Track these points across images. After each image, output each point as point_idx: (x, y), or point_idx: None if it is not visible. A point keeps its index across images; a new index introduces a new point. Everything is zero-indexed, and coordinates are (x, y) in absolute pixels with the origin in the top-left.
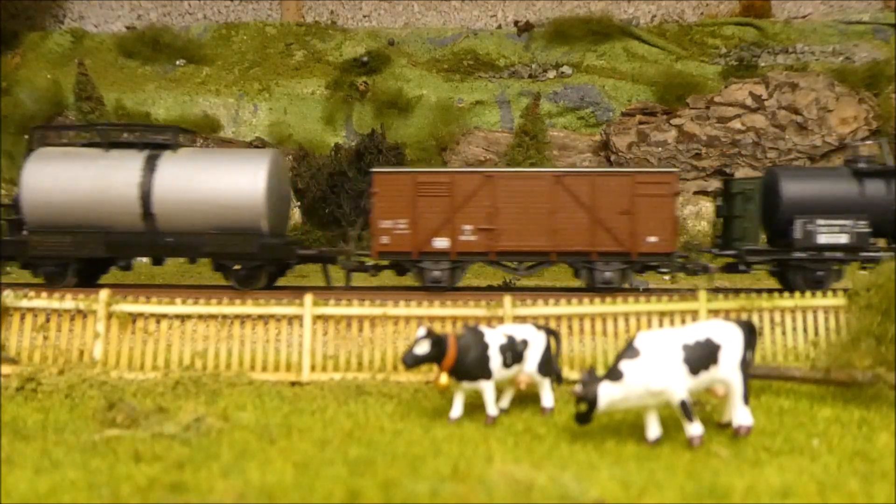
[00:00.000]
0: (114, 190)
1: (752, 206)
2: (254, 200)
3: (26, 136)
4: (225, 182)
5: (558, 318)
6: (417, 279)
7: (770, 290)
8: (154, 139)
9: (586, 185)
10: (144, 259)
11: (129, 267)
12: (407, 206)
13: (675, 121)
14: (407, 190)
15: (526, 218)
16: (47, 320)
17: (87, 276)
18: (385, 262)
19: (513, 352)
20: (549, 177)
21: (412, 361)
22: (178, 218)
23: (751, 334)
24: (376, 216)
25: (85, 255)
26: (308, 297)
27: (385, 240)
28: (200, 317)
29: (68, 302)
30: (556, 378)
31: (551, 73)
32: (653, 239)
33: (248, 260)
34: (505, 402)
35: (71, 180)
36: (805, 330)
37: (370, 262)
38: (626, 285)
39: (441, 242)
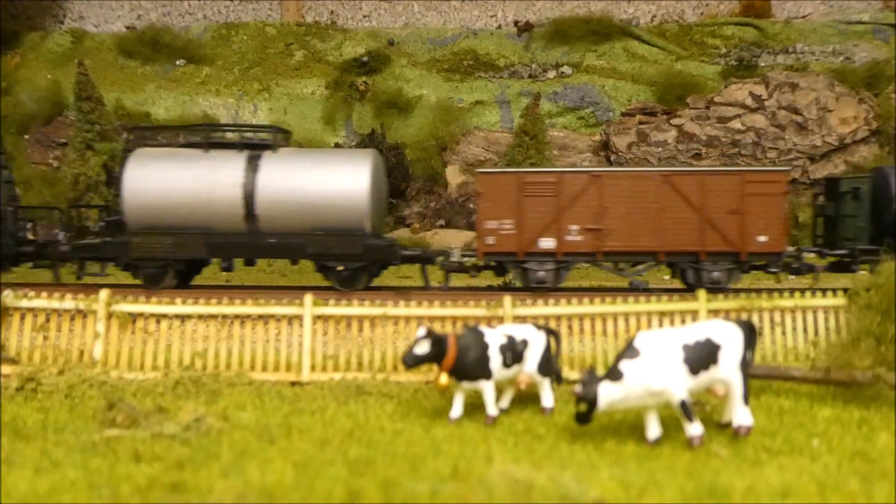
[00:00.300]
0: (217, 191)
1: (864, 204)
2: (358, 201)
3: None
4: (329, 182)
5: (558, 318)
6: (521, 280)
7: (770, 291)
8: (253, 139)
9: (695, 185)
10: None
11: (230, 268)
12: (512, 207)
13: (675, 121)
14: (512, 190)
15: (634, 218)
16: (47, 320)
17: (182, 277)
18: (481, 262)
19: (513, 352)
20: (657, 176)
21: (412, 361)
22: (281, 219)
23: (751, 334)
24: (482, 217)
25: (186, 257)
26: (308, 297)
27: (491, 240)
28: (200, 317)
29: (68, 302)
30: (556, 378)
31: (551, 73)
32: (763, 238)
33: (352, 261)
34: (505, 402)
35: (173, 181)
36: (805, 330)
37: (469, 262)
38: (627, 285)
39: (547, 243)
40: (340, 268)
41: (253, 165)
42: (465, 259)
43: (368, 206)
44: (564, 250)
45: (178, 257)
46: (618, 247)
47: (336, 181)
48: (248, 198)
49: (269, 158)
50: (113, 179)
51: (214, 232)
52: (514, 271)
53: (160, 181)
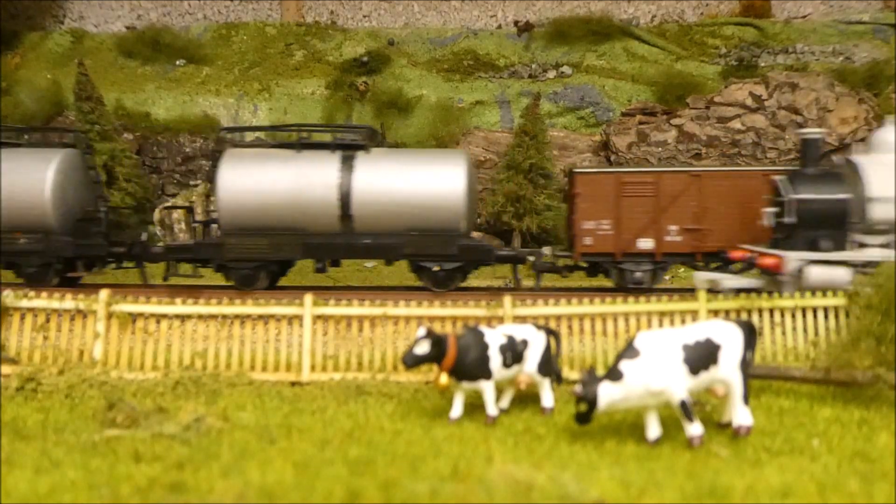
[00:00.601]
0: (312, 191)
1: None
2: (454, 201)
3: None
4: (426, 183)
5: (558, 318)
6: (618, 280)
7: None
8: (346, 140)
9: None
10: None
11: (324, 269)
12: (610, 207)
13: (675, 121)
14: (610, 190)
15: (735, 218)
16: (47, 320)
17: (272, 278)
18: (572, 262)
19: (513, 352)
20: (759, 175)
21: (412, 361)
22: (377, 219)
23: (751, 334)
24: (579, 217)
25: (282, 258)
26: (308, 297)
27: (588, 241)
28: (200, 317)
29: (68, 302)
30: (556, 378)
31: (551, 73)
32: None
33: (448, 261)
34: (505, 402)
35: (268, 182)
36: (805, 330)
37: (561, 262)
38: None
39: (645, 243)
40: (437, 268)
41: (348, 166)
42: (558, 259)
43: (465, 206)
44: (663, 251)
45: (273, 258)
46: (718, 247)
47: (433, 181)
48: (345, 198)
49: (363, 159)
50: (115, 180)
51: (309, 233)
52: (611, 272)
53: (255, 182)
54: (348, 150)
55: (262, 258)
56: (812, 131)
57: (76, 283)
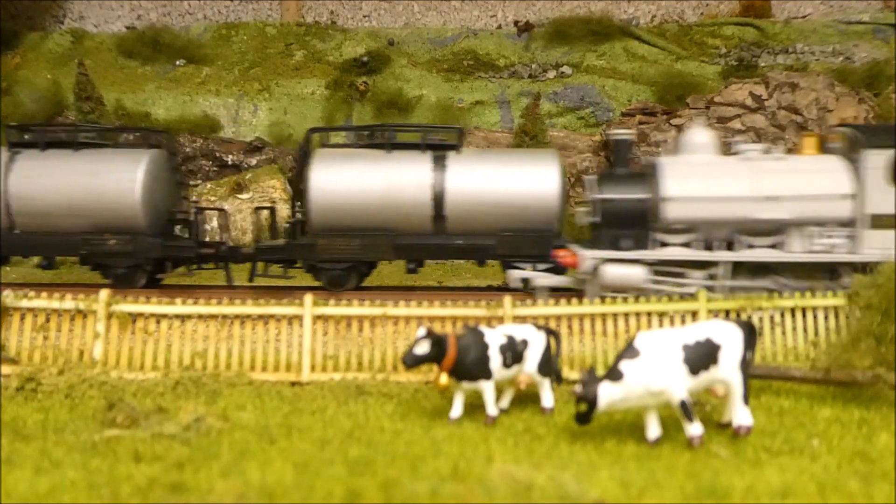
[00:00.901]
0: (405, 192)
1: None
2: (549, 201)
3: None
4: (520, 183)
5: (558, 318)
6: None
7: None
8: (436, 140)
9: None
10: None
11: (415, 270)
12: None
13: (675, 121)
14: None
15: None
16: (47, 320)
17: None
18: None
19: (513, 352)
20: None
21: (412, 361)
22: (469, 220)
23: (751, 334)
24: None
25: (373, 259)
26: (308, 297)
27: None
28: (200, 317)
29: (68, 302)
30: (556, 378)
31: (551, 73)
32: None
33: (541, 262)
34: (505, 402)
35: (360, 182)
36: (805, 330)
37: None
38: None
39: None
40: (529, 269)
41: (440, 166)
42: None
43: (559, 207)
44: None
45: (365, 259)
46: None
47: (528, 181)
48: (437, 199)
49: (455, 159)
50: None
51: (401, 233)
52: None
53: (347, 182)
54: (439, 150)
55: (354, 259)
56: (622, 132)
57: (158, 285)
